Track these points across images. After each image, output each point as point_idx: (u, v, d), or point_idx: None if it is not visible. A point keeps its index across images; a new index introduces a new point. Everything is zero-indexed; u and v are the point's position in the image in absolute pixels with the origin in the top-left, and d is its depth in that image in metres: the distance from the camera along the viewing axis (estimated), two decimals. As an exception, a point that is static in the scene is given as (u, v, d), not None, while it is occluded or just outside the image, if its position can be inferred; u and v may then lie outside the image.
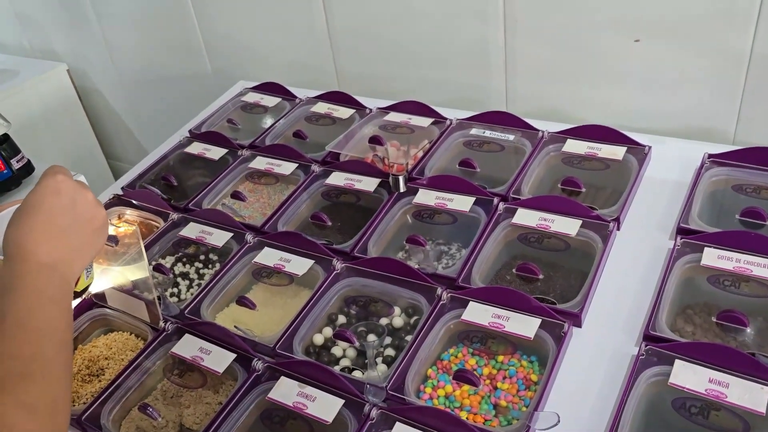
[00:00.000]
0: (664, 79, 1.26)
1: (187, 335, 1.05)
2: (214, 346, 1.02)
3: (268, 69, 1.75)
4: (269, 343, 1.01)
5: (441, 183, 1.21)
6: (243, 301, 1.09)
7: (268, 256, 1.16)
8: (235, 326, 1.06)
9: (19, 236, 0.70)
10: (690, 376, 0.84)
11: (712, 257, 0.97)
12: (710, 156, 1.14)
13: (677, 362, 0.85)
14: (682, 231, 1.03)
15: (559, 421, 0.78)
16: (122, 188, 1.43)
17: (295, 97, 1.58)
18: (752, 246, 0.96)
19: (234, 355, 1.00)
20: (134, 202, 1.36)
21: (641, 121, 1.29)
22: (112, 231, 1.33)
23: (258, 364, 0.98)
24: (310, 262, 1.13)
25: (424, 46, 1.49)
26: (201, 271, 1.23)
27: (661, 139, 1.22)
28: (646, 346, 0.88)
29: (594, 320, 0.97)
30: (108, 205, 1.38)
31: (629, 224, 1.10)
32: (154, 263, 1.22)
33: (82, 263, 0.75)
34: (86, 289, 0.88)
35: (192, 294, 1.18)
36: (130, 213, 1.38)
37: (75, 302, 1.07)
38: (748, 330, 0.92)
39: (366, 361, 0.99)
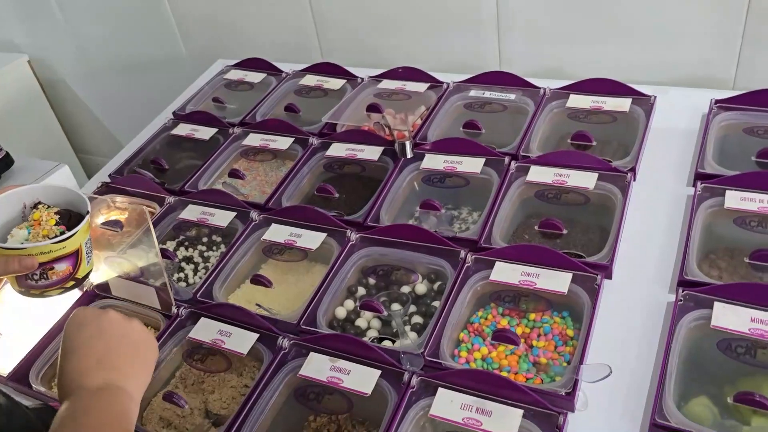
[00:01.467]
0: (663, 31, 1.26)
1: (203, 319, 1.01)
2: (234, 328, 0.98)
3: (247, 46, 1.69)
4: (292, 320, 0.98)
5: (448, 146, 1.18)
6: (259, 279, 1.04)
7: (277, 233, 1.12)
8: (257, 305, 1.02)
9: (65, 380, 0.70)
10: (731, 317, 0.83)
11: (735, 199, 0.97)
12: (717, 102, 1.14)
13: (716, 304, 0.85)
14: (700, 176, 1.03)
15: (611, 372, 0.77)
16: (110, 175, 1.37)
17: (281, 71, 1.53)
18: (773, 186, 0.96)
19: (257, 335, 0.96)
20: (126, 188, 1.30)
21: (641, 74, 1.28)
22: (106, 218, 1.28)
23: (284, 342, 0.94)
24: (323, 235, 1.09)
25: (412, 12, 1.45)
26: (205, 254, 1.18)
27: (664, 89, 1.22)
28: (683, 291, 0.87)
29: (623, 271, 0.96)
30: (97, 194, 1.31)
31: (644, 174, 1.09)
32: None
33: (137, 378, 0.73)
34: (86, 276, 0.85)
35: (200, 278, 1.13)
36: (120, 200, 1.31)
37: (74, 294, 1.02)
38: (777, 268, 0.92)
39: (395, 330, 0.96)
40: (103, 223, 1.17)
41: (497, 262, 0.97)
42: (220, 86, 1.57)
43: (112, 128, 2.23)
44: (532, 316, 0.94)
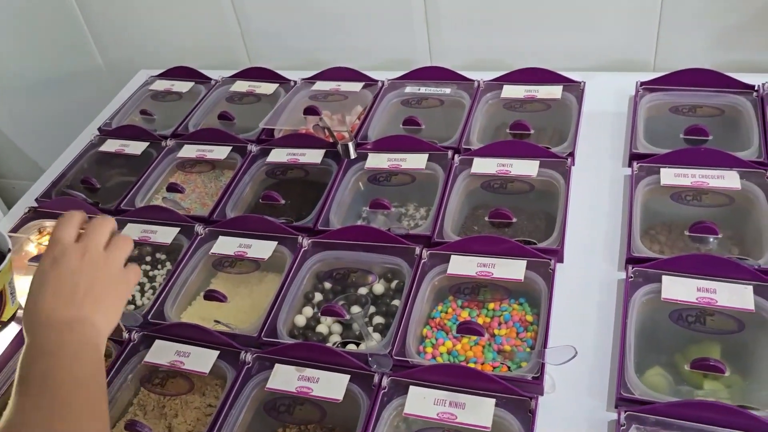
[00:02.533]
0: (586, 18, 1.30)
1: (158, 341, 0.97)
2: (192, 347, 0.95)
3: (170, 55, 1.63)
4: (252, 333, 0.96)
5: (390, 144, 1.19)
6: (212, 295, 1.02)
7: (226, 245, 1.09)
8: (215, 321, 0.99)
9: (33, 315, 0.67)
10: (680, 289, 0.87)
11: (670, 176, 1.02)
12: (642, 84, 1.19)
13: (665, 278, 0.89)
14: (634, 156, 1.07)
15: (576, 354, 0.79)
16: (36, 199, 1.30)
17: (209, 78, 1.49)
18: (703, 160, 1.02)
19: (217, 353, 0.94)
20: (57, 212, 1.23)
21: (569, 61, 1.32)
22: (34, 250, 1.21)
23: (247, 356, 0.92)
24: (273, 243, 1.07)
25: (340, 10, 1.44)
26: (151, 273, 1.14)
27: (592, 74, 1.26)
28: (632, 268, 0.91)
29: (573, 253, 0.99)
30: (25, 220, 1.24)
31: (582, 158, 1.13)
32: (97, 273, 1.11)
33: (107, 314, 0.71)
34: (13, 316, 0.82)
35: (148, 298, 1.09)
36: (50, 225, 1.25)
37: (2, 334, 0.98)
38: (712, 239, 0.97)
39: (358, 332, 0.96)
40: (32, 259, 1.11)
41: (453, 256, 0.98)
42: (146, 98, 1.51)
43: (27, 149, 2.11)
44: (491, 305, 0.96)
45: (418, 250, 1.00)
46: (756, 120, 1.07)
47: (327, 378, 0.88)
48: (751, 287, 0.85)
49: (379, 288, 1.02)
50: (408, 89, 1.31)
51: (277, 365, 0.90)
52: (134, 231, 1.15)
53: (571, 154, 1.10)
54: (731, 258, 0.90)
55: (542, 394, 0.83)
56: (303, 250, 1.05)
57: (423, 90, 1.30)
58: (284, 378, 0.89)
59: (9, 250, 0.78)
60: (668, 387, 0.87)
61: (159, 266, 1.14)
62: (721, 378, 0.86)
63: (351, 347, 0.95)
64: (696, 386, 0.86)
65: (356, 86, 1.35)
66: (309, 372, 0.89)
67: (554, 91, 1.22)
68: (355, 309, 0.99)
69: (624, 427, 0.76)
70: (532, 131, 1.17)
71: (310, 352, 0.90)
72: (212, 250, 1.09)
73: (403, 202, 1.19)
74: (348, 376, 0.87)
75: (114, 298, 0.72)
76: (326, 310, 0.95)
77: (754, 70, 1.22)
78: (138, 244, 1.14)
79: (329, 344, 0.96)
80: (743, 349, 0.87)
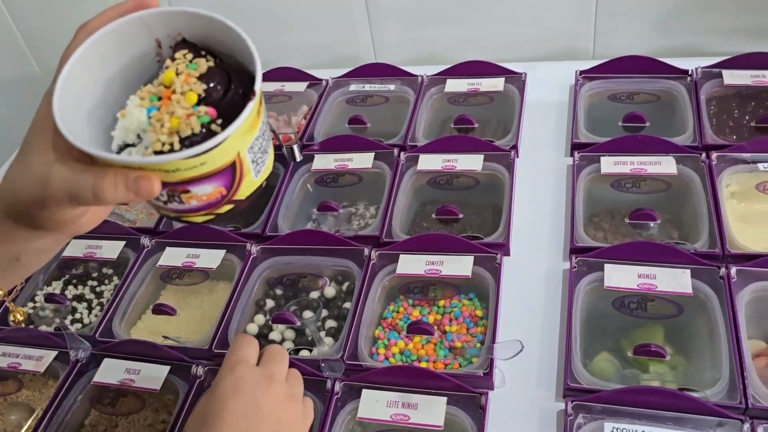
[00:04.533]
0: (524, 8, 1.31)
1: (106, 360, 0.96)
2: (143, 364, 0.94)
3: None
4: (203, 346, 0.95)
5: (336, 144, 1.18)
6: (161, 309, 1.00)
7: (173, 256, 1.08)
8: (163, 336, 0.98)
9: None
10: (621, 276, 0.89)
11: (610, 164, 1.03)
12: (581, 73, 1.21)
13: (607, 266, 0.91)
14: (576, 146, 1.09)
15: (522, 348, 0.81)
16: (-25, 219, 1.26)
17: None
18: (640, 147, 1.04)
19: (168, 368, 0.93)
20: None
21: (510, 52, 1.33)
22: None
23: (199, 370, 0.91)
24: (222, 252, 1.06)
25: (281, 10, 1.43)
26: (98, 289, 1.11)
27: (533, 64, 1.27)
28: (576, 258, 0.93)
29: (520, 246, 1.00)
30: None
31: (525, 150, 1.14)
32: (42, 294, 1.09)
33: None
34: (257, 191, 0.54)
35: (96, 315, 1.07)
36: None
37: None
38: (653, 224, 0.99)
39: (310, 338, 0.96)
40: None
41: (401, 255, 0.98)
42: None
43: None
44: (441, 302, 0.96)
45: (366, 251, 1.00)
46: (690, 104, 1.10)
47: (280, 386, 0.87)
48: (688, 271, 0.88)
49: (330, 291, 1.02)
50: (353, 87, 1.31)
51: (229, 377, 0.90)
52: (78, 247, 1.13)
53: (515, 147, 1.11)
54: (669, 243, 0.92)
55: (492, 389, 0.84)
56: (252, 257, 1.05)
57: (367, 87, 1.30)
58: (237, 389, 0.88)
59: (253, 94, 0.46)
60: (616, 372, 0.89)
61: (106, 281, 1.12)
62: (666, 360, 0.89)
63: (304, 354, 0.95)
64: (643, 369, 0.88)
65: (300, 86, 1.34)
66: (262, 381, 0.88)
67: (497, 84, 1.23)
68: (308, 314, 0.99)
69: (571, 417, 0.77)
70: (476, 125, 1.18)
71: (262, 362, 0.90)
72: (159, 262, 1.07)
73: (353, 202, 1.18)
74: (301, 384, 0.87)
75: None
76: (276, 317, 0.95)
77: (691, 54, 1.25)
78: (83, 260, 1.12)
79: (282, 351, 0.96)
80: (686, 331, 0.89)
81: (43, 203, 0.47)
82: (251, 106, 0.46)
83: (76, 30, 0.48)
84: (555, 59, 1.33)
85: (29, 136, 0.48)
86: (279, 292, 1.04)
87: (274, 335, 0.99)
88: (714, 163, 0.99)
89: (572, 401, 0.78)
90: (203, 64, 0.48)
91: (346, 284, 1.02)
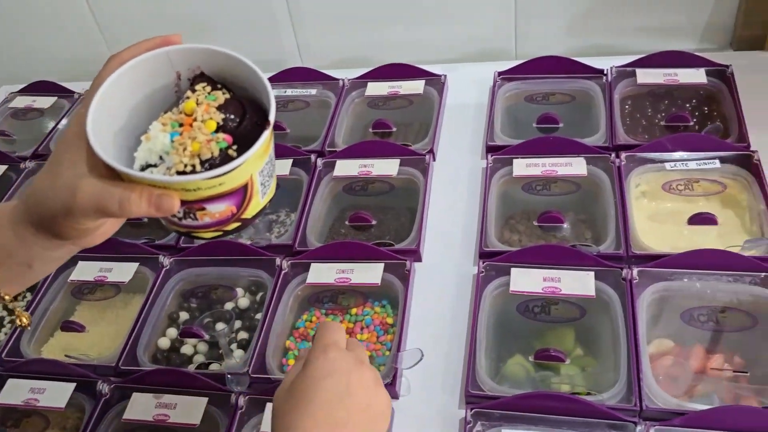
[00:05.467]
0: (445, 9, 1.30)
1: (10, 380, 0.93)
2: (48, 382, 0.92)
3: (33, 69, 1.55)
4: (111, 362, 0.93)
5: (254, 152, 1.17)
6: (69, 326, 0.98)
7: (85, 271, 1.05)
8: (66, 355, 0.95)
9: (286, 425, 0.57)
10: (527, 280, 0.89)
11: (522, 167, 1.04)
12: (500, 74, 1.21)
13: (513, 270, 0.91)
14: (491, 149, 1.09)
15: (422, 356, 0.80)
16: None
17: (72, 92, 1.43)
18: (553, 149, 1.04)
19: (73, 385, 0.91)
20: None
21: (433, 54, 1.33)
22: None
23: (104, 387, 0.89)
24: (135, 265, 1.04)
25: (201, 16, 1.40)
26: (10, 306, 1.08)
27: (454, 66, 1.27)
28: (483, 263, 0.93)
29: (433, 252, 1.00)
30: None
31: (443, 153, 1.14)
32: (-51, 312, 1.06)
33: None
34: (260, 212, 0.58)
35: (5, 334, 1.04)
36: None
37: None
38: (565, 225, 1.00)
39: (220, 351, 0.94)
40: None
41: (312, 264, 0.98)
42: (5, 117, 1.43)
43: None
44: (354, 310, 0.96)
45: (278, 260, 0.99)
46: (604, 104, 1.10)
47: (185, 403, 0.86)
48: (592, 273, 0.88)
49: (244, 302, 1.00)
50: (274, 92, 1.29)
51: (134, 394, 0.88)
52: (-11, 263, 1.09)
53: (431, 151, 1.11)
54: (574, 246, 0.92)
55: (397, 398, 0.84)
56: (165, 269, 1.03)
57: (289, 92, 1.28)
58: (142, 407, 0.87)
59: (267, 123, 0.53)
60: (526, 375, 0.89)
61: (18, 297, 1.09)
62: (576, 360, 0.89)
63: (214, 367, 0.93)
64: (554, 371, 0.89)
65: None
66: (167, 398, 0.87)
67: (416, 86, 1.22)
68: (220, 326, 0.97)
69: (471, 425, 0.77)
70: (394, 129, 1.17)
71: (167, 377, 0.88)
72: (71, 277, 1.05)
73: (276, 209, 1.17)
74: (206, 399, 0.86)
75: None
76: (184, 331, 0.93)
77: (611, 53, 1.25)
78: (-7, 276, 1.09)
79: (193, 365, 0.95)
80: (595, 332, 0.90)
81: (69, 212, 0.51)
82: (266, 135, 0.52)
83: (107, 59, 0.54)
84: (478, 60, 1.33)
85: (59, 150, 0.53)
86: (193, 304, 1.02)
87: (186, 348, 0.97)
88: (623, 163, 1.00)
89: (472, 409, 0.78)
90: (221, 96, 0.53)
91: (260, 294, 1.01)
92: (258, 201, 0.55)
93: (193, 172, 0.50)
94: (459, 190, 1.08)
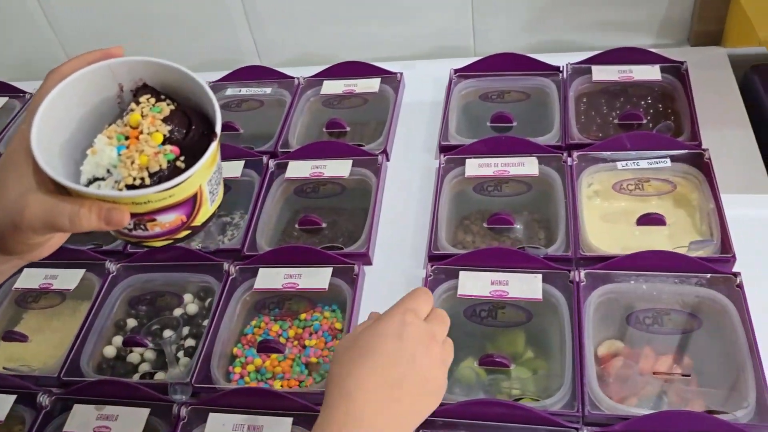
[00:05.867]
0: (403, 6, 1.28)
1: (-52, 394, 0.91)
2: (-13, 395, 0.90)
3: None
4: (53, 373, 0.91)
5: (206, 153, 1.14)
6: (11, 336, 0.96)
7: (30, 278, 1.03)
8: (4, 368, 0.93)
9: (347, 380, 0.56)
10: (474, 283, 0.88)
11: (474, 167, 1.02)
12: (456, 71, 1.19)
13: (461, 273, 0.90)
14: (444, 149, 1.07)
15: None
16: None
17: (24, 92, 1.40)
18: (505, 148, 1.03)
19: (13, 398, 0.89)
20: None
21: (390, 51, 1.31)
22: None
23: (44, 399, 0.87)
24: (81, 271, 1.02)
25: (160, 14, 1.37)
26: (-47, 315, 1.06)
27: (411, 63, 1.25)
28: (432, 266, 0.91)
29: (384, 255, 0.98)
30: None
31: (397, 153, 1.12)
32: None
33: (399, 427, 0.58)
34: (210, 219, 0.59)
35: (-52, 345, 1.02)
36: None
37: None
38: (518, 226, 0.99)
39: (166, 359, 0.93)
40: None
41: (260, 269, 0.96)
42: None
43: None
44: (303, 315, 0.94)
45: (226, 265, 0.97)
46: (559, 102, 1.09)
47: (127, 414, 0.84)
48: (540, 276, 0.87)
49: (192, 308, 0.99)
50: (229, 91, 1.27)
51: (75, 406, 0.86)
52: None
53: (384, 151, 1.09)
54: (522, 248, 0.91)
55: (343, 406, 0.83)
56: (111, 275, 1.01)
57: (243, 91, 1.26)
58: (82, 419, 0.85)
59: (215, 135, 0.53)
60: (476, 379, 0.88)
61: (-36, 306, 1.07)
62: (527, 363, 0.89)
63: (160, 376, 0.92)
64: (505, 374, 0.88)
65: (177, 92, 1.29)
66: (108, 410, 0.85)
67: (372, 84, 1.20)
68: (167, 333, 0.95)
69: None
70: (348, 129, 1.15)
71: (109, 388, 0.86)
72: (16, 285, 1.02)
73: (230, 211, 1.15)
74: (148, 410, 0.84)
75: (422, 414, 0.59)
76: (128, 341, 0.91)
77: (568, 50, 1.24)
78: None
79: (138, 374, 0.93)
80: (546, 334, 0.89)
81: (18, 228, 0.51)
82: (213, 146, 0.52)
83: (46, 74, 0.54)
84: (437, 57, 1.31)
85: (4, 167, 0.52)
86: (142, 310, 1.00)
87: (132, 357, 0.95)
88: (575, 162, 0.99)
89: (415, 418, 0.77)
90: (165, 108, 0.54)
91: (208, 300, 0.99)
92: (207, 208, 0.56)
93: (142, 184, 0.51)
94: (412, 191, 1.06)
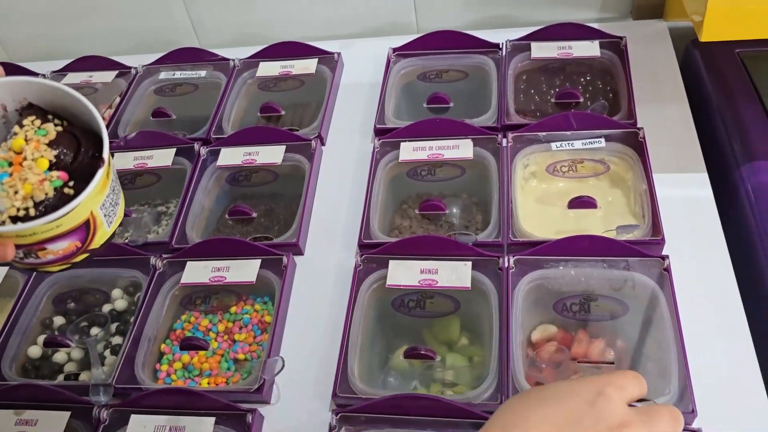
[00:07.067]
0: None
1: None
2: None
3: None
4: (-29, 376, 0.88)
5: (138, 141, 1.11)
6: (-72, 339, 0.92)
7: (-47, 276, 0.99)
8: None
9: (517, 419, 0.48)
10: (404, 273, 0.86)
11: (408, 151, 0.99)
12: (395, 50, 1.15)
13: (391, 262, 0.87)
14: (379, 132, 1.05)
15: (283, 366, 0.77)
16: None
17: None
18: (440, 131, 1.00)
19: (-71, 405, 0.86)
20: None
21: (333, 29, 1.27)
22: None
23: (-42, 406, 0.85)
24: (4, 269, 0.98)
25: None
26: None
27: (350, 42, 1.21)
28: (362, 256, 0.89)
29: (316, 244, 0.96)
30: None
31: (333, 137, 1.09)
32: None
33: None
34: (110, 239, 0.57)
35: None
36: None
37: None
38: (454, 210, 0.97)
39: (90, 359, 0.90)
40: None
41: (188, 263, 0.93)
42: None
43: None
44: (233, 308, 0.92)
45: (152, 259, 0.94)
46: (497, 81, 1.06)
47: (46, 418, 0.82)
48: (470, 264, 0.85)
49: (121, 304, 0.96)
50: (162, 75, 1.22)
51: (-6, 411, 0.84)
52: None
53: (319, 136, 1.06)
54: (452, 236, 0.89)
55: (269, 403, 0.81)
56: (35, 273, 0.97)
57: (178, 75, 1.22)
58: (0, 424, 0.82)
59: (102, 161, 0.50)
60: (410, 368, 0.87)
61: None
62: (462, 350, 0.87)
63: (84, 376, 0.89)
64: (441, 362, 0.86)
65: (108, 75, 1.25)
66: (27, 415, 0.82)
67: (308, 66, 1.17)
68: (95, 331, 0.93)
69: (336, 430, 0.74)
70: (282, 113, 1.12)
71: (27, 392, 0.83)
72: (-64, 284, 0.99)
73: (166, 199, 1.12)
74: (68, 413, 0.81)
75: None
76: (49, 341, 0.89)
77: (512, 25, 1.21)
78: None
79: (62, 375, 0.90)
80: (480, 320, 0.87)
81: None
82: (101, 173, 0.49)
83: None
84: (379, 35, 1.27)
85: None
86: (70, 307, 0.97)
87: (59, 356, 0.92)
88: (511, 144, 0.97)
89: (338, 414, 0.75)
90: (52, 130, 0.50)
91: (137, 296, 0.96)
92: (104, 231, 0.54)
93: (27, 216, 0.48)
94: (348, 177, 1.04)
